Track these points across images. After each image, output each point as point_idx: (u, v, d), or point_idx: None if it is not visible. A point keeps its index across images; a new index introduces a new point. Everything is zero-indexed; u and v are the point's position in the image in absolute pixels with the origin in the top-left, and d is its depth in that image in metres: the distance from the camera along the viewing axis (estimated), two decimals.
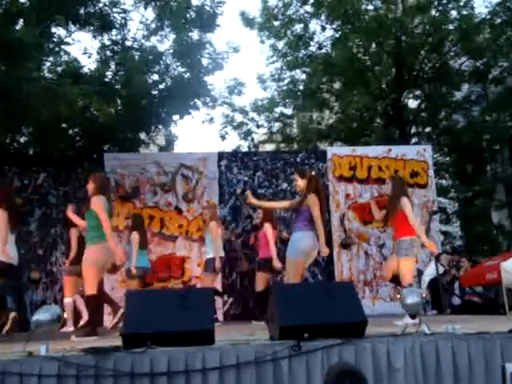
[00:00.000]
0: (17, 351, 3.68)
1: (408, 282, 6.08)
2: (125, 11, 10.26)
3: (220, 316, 8.63)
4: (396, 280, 6.25)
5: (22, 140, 10.83)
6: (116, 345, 3.68)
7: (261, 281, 7.96)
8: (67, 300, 7.61)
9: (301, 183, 5.96)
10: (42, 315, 3.79)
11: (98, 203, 5.84)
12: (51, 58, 9.74)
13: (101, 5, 9.91)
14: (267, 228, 7.85)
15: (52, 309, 3.91)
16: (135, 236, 7.68)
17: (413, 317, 5.38)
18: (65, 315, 6.82)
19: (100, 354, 3.47)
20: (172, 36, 10.45)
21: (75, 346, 3.84)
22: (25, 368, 3.34)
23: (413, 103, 17.35)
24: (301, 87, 17.39)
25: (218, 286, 8.93)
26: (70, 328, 7.37)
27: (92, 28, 10.05)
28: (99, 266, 5.81)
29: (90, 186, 6.02)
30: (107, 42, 10.31)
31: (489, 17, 14.95)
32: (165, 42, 10.70)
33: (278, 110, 18.15)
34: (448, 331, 3.92)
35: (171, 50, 10.44)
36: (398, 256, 6.14)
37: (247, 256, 9.67)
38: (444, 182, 17.16)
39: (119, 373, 3.40)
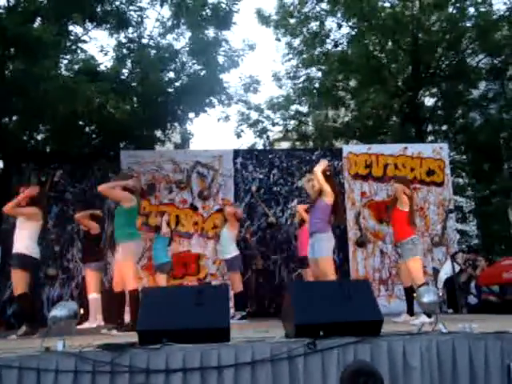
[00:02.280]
0: (34, 347, 3.72)
1: (420, 281, 6.07)
2: (141, 9, 10.30)
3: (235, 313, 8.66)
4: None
5: (39, 137, 10.92)
6: (132, 341, 3.70)
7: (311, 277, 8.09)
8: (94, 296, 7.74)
9: (316, 183, 6.04)
10: (59, 311, 3.81)
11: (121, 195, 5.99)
12: (68, 56, 9.82)
13: (117, 3, 9.95)
14: None
15: (69, 305, 3.94)
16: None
17: (429, 316, 5.40)
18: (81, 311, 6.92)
19: (116, 350, 3.49)
20: (188, 34, 10.48)
21: (91, 343, 3.87)
22: (42, 363, 3.38)
23: (429, 101, 17.22)
24: (316, 85, 17.31)
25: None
26: (92, 324, 7.47)
27: (108, 26, 10.10)
28: (136, 260, 6.13)
29: None
30: (123, 40, 10.36)
31: (507, 14, 14.75)
32: (181, 40, 10.75)
33: (294, 107, 18.11)
34: (465, 330, 3.89)
35: (187, 48, 10.47)
36: (405, 258, 6.19)
37: (262, 254, 9.67)
38: (460, 180, 17.01)
39: (135, 369, 3.42)
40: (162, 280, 8.07)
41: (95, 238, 7.99)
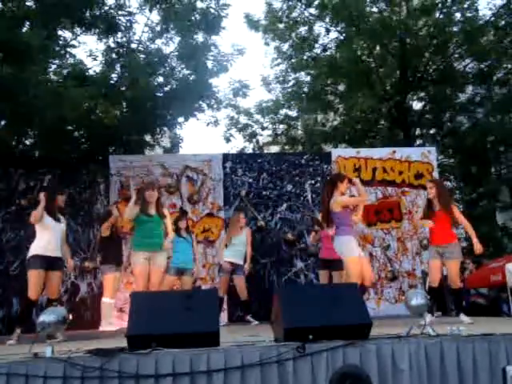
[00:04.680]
0: (23, 352, 3.71)
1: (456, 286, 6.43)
2: (130, 14, 10.29)
3: (225, 318, 8.68)
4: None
5: (27, 142, 10.86)
6: (121, 346, 3.69)
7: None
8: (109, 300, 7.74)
9: None
10: (47, 316, 3.81)
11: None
12: (57, 61, 9.79)
13: (106, 8, 9.93)
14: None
15: (58, 310, 3.93)
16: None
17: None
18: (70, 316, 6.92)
19: (105, 355, 3.49)
20: (177, 38, 10.50)
21: (80, 348, 3.86)
22: (30, 369, 3.36)
23: (417, 105, 17.33)
24: (305, 89, 17.37)
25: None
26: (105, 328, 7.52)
27: (97, 31, 10.07)
28: None
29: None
30: (112, 45, 10.34)
31: (493, 19, 14.91)
32: (170, 45, 10.75)
33: (283, 112, 18.14)
34: (453, 333, 3.92)
35: (176, 53, 10.48)
36: (456, 258, 6.40)
37: (252, 257, 9.66)
38: (449, 183, 17.11)
39: (124, 374, 3.42)
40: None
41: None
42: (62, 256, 6.30)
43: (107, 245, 7.72)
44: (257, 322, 8.05)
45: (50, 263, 6.08)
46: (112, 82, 9.75)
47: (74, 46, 10.05)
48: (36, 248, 6.08)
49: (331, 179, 6.46)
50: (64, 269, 6.65)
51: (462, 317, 6.23)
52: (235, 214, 8.77)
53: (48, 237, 6.11)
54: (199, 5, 10.25)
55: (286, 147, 18.02)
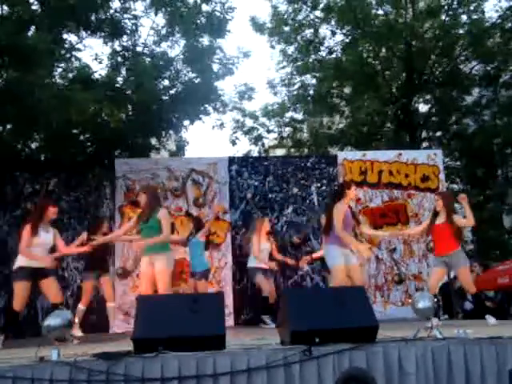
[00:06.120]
0: (29, 356, 3.70)
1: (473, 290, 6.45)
2: (135, 17, 10.31)
3: (231, 321, 8.67)
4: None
5: (33, 146, 10.88)
6: (127, 349, 3.68)
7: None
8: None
9: None
10: (53, 320, 3.81)
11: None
12: (62, 64, 9.81)
13: (112, 11, 9.96)
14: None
15: (63, 314, 3.93)
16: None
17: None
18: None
19: (111, 358, 3.48)
20: (182, 42, 10.52)
21: (86, 351, 3.85)
22: (36, 373, 3.36)
23: (423, 107, 17.28)
24: (311, 92, 17.36)
25: (230, 291, 9.04)
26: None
27: (103, 34, 10.10)
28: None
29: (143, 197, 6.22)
30: (118, 48, 10.36)
31: (499, 21, 14.87)
32: (175, 48, 10.77)
33: (289, 114, 18.13)
34: (460, 336, 3.90)
35: (182, 56, 10.50)
36: (462, 265, 6.38)
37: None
38: (455, 186, 17.05)
39: (130, 378, 3.41)
40: (204, 287, 8.14)
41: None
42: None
43: (90, 252, 7.68)
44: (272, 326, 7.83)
45: (36, 273, 6.00)
46: (117, 85, 9.76)
47: (79, 50, 10.05)
48: (21, 259, 6.02)
49: (339, 187, 6.52)
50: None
51: (489, 318, 6.18)
52: (260, 220, 8.71)
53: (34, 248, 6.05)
54: (204, 8, 10.27)
55: (292, 150, 18.02)
